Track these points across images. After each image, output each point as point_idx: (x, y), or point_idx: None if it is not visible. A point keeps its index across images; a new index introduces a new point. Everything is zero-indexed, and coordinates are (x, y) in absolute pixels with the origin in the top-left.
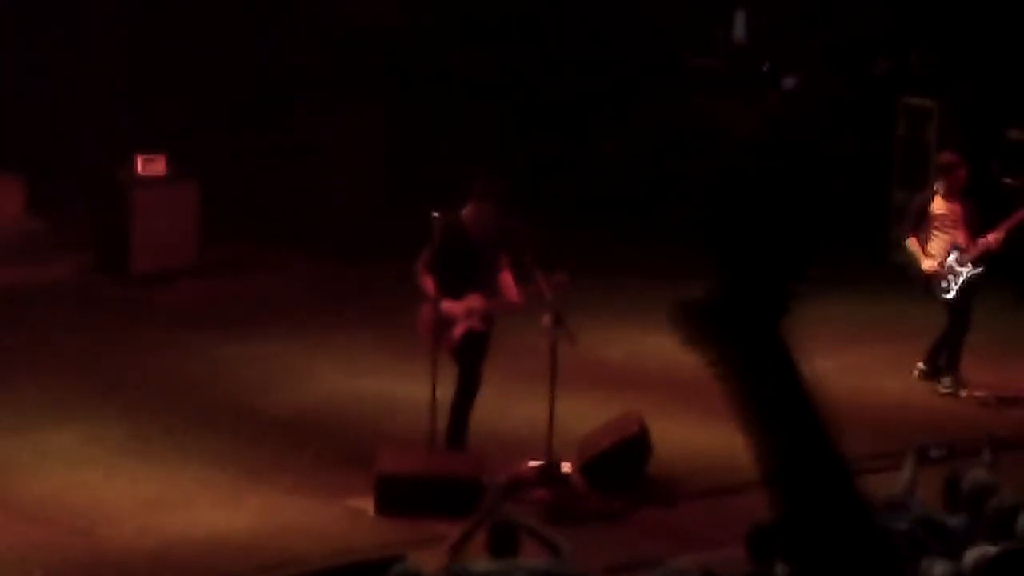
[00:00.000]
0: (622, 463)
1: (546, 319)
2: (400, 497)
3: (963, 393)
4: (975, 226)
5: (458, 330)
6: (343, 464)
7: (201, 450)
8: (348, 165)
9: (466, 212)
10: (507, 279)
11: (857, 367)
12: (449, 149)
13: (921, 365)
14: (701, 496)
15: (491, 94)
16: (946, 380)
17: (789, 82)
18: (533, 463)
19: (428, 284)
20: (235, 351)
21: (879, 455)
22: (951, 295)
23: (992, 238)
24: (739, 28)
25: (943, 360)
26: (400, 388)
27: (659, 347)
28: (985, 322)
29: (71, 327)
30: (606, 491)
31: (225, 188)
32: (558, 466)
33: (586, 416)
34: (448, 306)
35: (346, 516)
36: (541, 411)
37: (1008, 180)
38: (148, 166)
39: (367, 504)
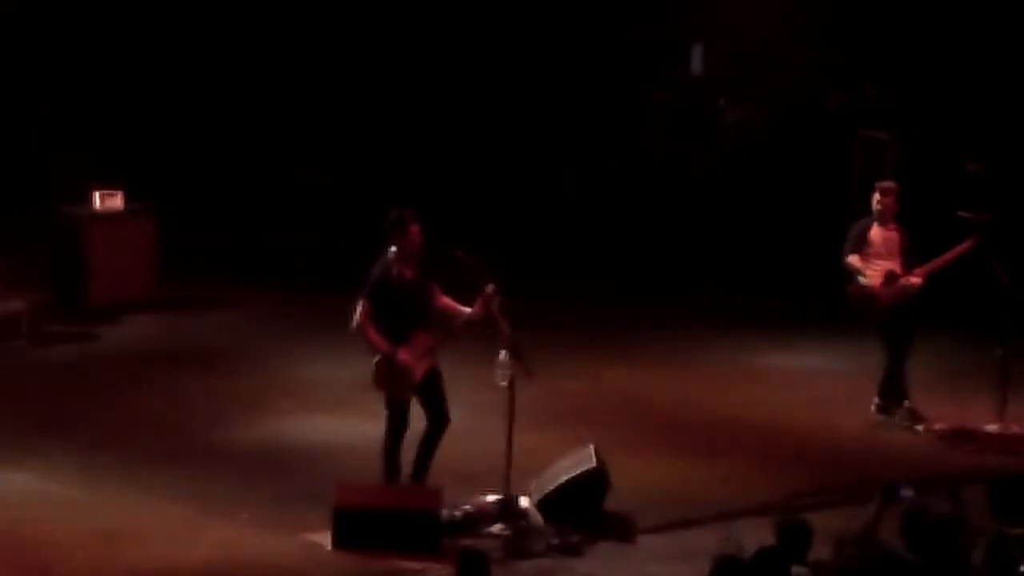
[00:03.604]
0: (580, 497)
1: (503, 354)
2: (357, 531)
3: (919, 427)
4: (910, 255)
5: (418, 373)
6: (300, 498)
7: (157, 484)
8: (305, 200)
9: (393, 252)
10: (446, 302)
11: (819, 401)
12: (404, 184)
13: (877, 400)
14: (659, 530)
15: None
16: (900, 412)
17: (730, 116)
18: (491, 497)
19: (376, 337)
20: (192, 385)
21: (839, 490)
22: (884, 323)
23: (915, 279)
24: (696, 62)
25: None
26: (357, 422)
27: (617, 380)
28: (940, 357)
29: (28, 362)
30: (564, 525)
31: (183, 223)
32: (516, 500)
33: (544, 450)
34: (406, 356)
35: (303, 550)
36: (499, 445)
37: (963, 213)
38: (106, 201)
39: (324, 538)
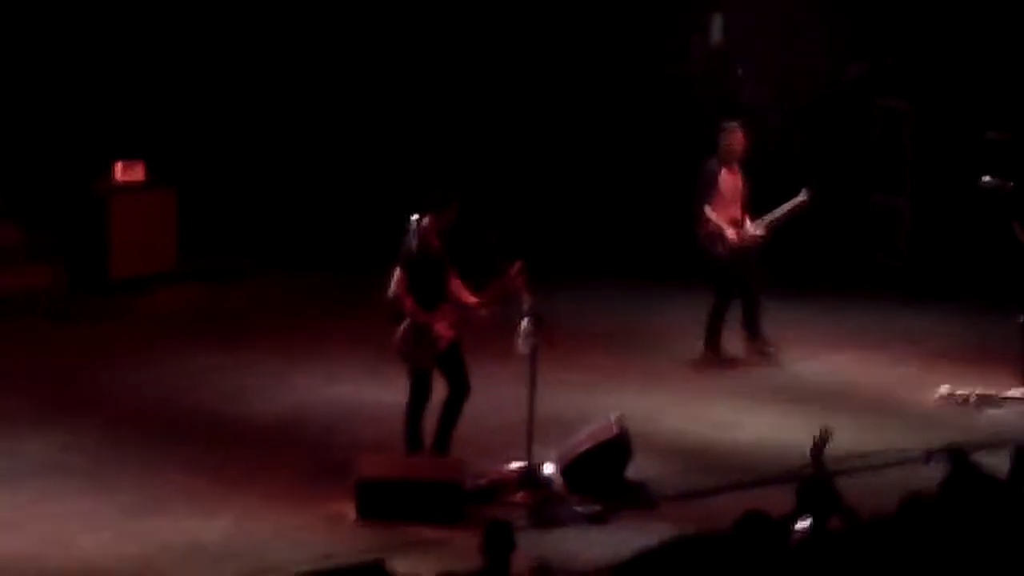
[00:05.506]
0: (602, 466)
1: (526, 322)
2: (381, 502)
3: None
4: (747, 200)
5: (443, 343)
6: (322, 470)
7: (178, 457)
8: (325, 174)
9: (426, 224)
10: (457, 283)
11: (841, 367)
12: (422, 159)
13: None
14: (681, 498)
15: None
16: (706, 353)
17: (748, 86)
18: (514, 465)
19: (413, 306)
20: (213, 358)
21: (864, 455)
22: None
23: (759, 231)
24: (716, 32)
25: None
26: (378, 394)
27: (639, 350)
28: (964, 324)
29: (48, 336)
30: (587, 493)
31: (204, 195)
32: (539, 468)
33: (567, 419)
34: (440, 325)
35: (326, 521)
36: (521, 414)
37: (986, 180)
38: (127, 172)
39: (347, 509)
